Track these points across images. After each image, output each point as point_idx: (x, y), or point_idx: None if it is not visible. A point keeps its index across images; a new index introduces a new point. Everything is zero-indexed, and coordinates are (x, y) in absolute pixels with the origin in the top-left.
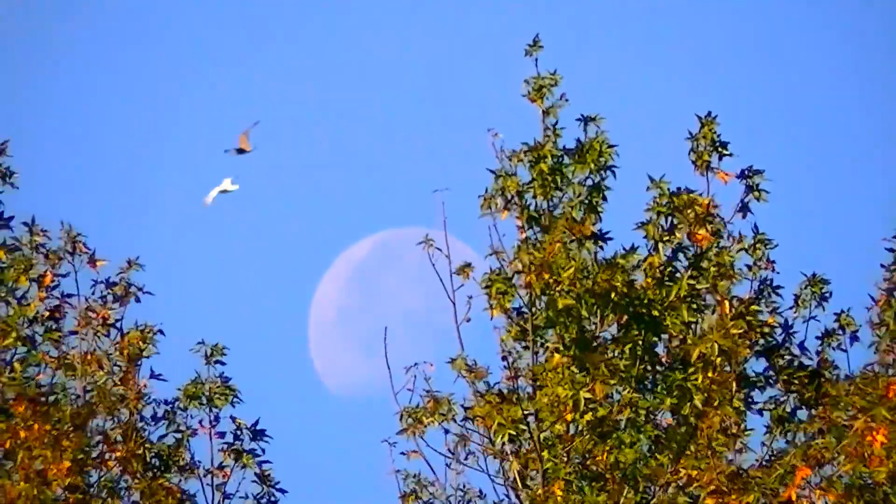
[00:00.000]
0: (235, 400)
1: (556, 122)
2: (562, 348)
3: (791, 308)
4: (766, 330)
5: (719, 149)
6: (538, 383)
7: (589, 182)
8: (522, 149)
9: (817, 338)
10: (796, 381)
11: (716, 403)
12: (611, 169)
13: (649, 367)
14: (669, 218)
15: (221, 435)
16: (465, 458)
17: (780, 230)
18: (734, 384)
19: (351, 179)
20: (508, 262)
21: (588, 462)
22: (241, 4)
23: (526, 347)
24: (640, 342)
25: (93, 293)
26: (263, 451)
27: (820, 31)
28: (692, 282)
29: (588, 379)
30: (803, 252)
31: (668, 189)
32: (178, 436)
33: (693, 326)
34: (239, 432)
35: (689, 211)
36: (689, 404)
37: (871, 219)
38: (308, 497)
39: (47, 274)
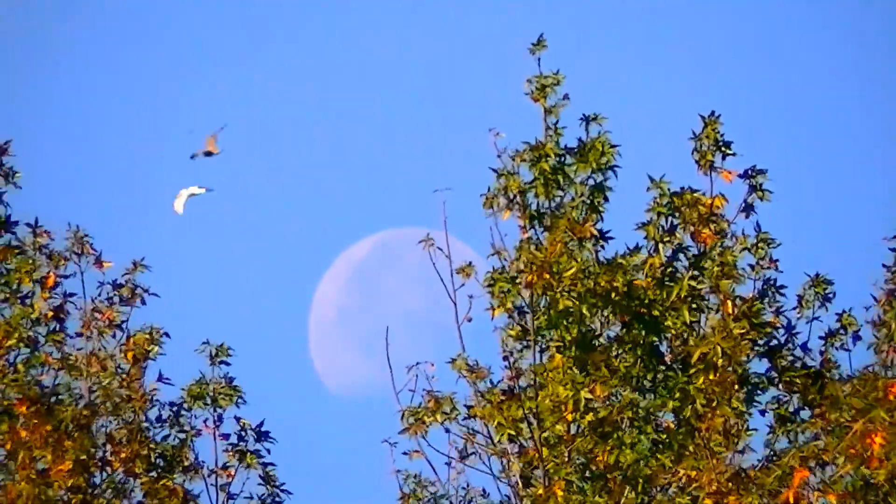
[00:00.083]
0: (240, 401)
1: (558, 122)
2: (563, 348)
3: (794, 309)
4: (769, 330)
5: (723, 148)
6: (539, 383)
7: (591, 182)
8: (525, 148)
9: (820, 337)
10: (798, 382)
11: (714, 404)
12: (612, 169)
13: (651, 368)
14: (670, 218)
15: (226, 436)
16: (467, 458)
17: (780, 230)
18: (735, 385)
19: (351, 179)
20: (510, 261)
21: (589, 462)
22: (241, 4)
23: (527, 347)
24: (641, 342)
25: (99, 294)
26: (269, 451)
27: (820, 31)
28: (692, 282)
29: (588, 379)
30: (804, 252)
31: (669, 189)
32: (183, 436)
33: (695, 326)
34: (243, 433)
35: (692, 210)
36: (690, 407)
37: (872, 219)
38: (308, 497)
39: (50, 275)
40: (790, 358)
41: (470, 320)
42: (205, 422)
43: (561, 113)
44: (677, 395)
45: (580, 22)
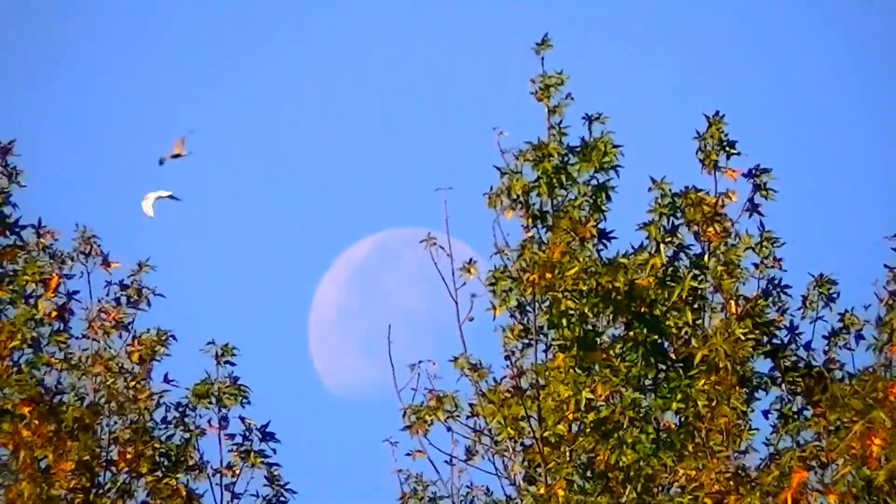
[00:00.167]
0: (245, 400)
1: (561, 121)
2: (565, 348)
3: (799, 309)
4: (772, 329)
5: (727, 148)
6: (541, 383)
7: (593, 182)
8: (528, 147)
9: (824, 337)
10: (801, 382)
11: (713, 404)
12: (615, 168)
13: (653, 367)
14: (671, 219)
15: (231, 437)
16: (473, 458)
17: (781, 230)
18: (736, 385)
19: (351, 179)
20: (513, 260)
21: (591, 462)
22: (241, 4)
23: (529, 346)
24: (643, 342)
25: (106, 295)
26: (275, 451)
27: (820, 31)
28: (693, 282)
29: (590, 379)
30: (804, 252)
31: (670, 190)
32: (187, 435)
33: (697, 326)
34: (248, 433)
35: (696, 209)
36: (692, 408)
37: (872, 219)
38: (308, 497)
39: (54, 276)
40: (793, 358)
41: (472, 320)
42: (209, 421)
43: (564, 112)
44: (679, 395)
45: (583, 21)
